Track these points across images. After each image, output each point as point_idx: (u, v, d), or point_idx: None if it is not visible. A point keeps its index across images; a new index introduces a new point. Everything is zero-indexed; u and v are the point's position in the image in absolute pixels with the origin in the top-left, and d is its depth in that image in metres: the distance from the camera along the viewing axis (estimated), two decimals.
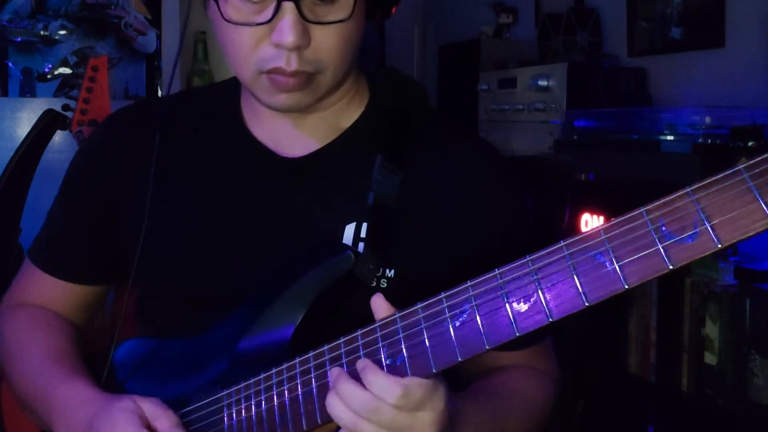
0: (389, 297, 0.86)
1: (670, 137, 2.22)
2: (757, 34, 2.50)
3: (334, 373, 0.84)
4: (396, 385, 0.79)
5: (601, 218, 2.34)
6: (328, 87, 0.99)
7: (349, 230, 1.00)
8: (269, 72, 0.94)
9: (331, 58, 0.95)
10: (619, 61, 3.02)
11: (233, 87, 1.11)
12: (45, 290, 1.15)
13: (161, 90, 3.68)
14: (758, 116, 2.12)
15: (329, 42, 0.94)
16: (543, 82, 2.85)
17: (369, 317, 0.85)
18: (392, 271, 0.98)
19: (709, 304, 1.98)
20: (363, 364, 0.82)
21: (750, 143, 1.99)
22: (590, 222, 2.37)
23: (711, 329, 1.97)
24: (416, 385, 0.79)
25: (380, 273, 0.98)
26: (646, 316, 2.15)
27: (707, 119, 2.16)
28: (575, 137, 2.59)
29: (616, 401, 2.27)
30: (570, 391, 1.10)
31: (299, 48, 0.92)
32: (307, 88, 0.96)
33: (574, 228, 2.38)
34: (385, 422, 0.79)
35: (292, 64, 0.93)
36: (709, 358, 1.97)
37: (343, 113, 1.07)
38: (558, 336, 1.11)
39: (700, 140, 2.10)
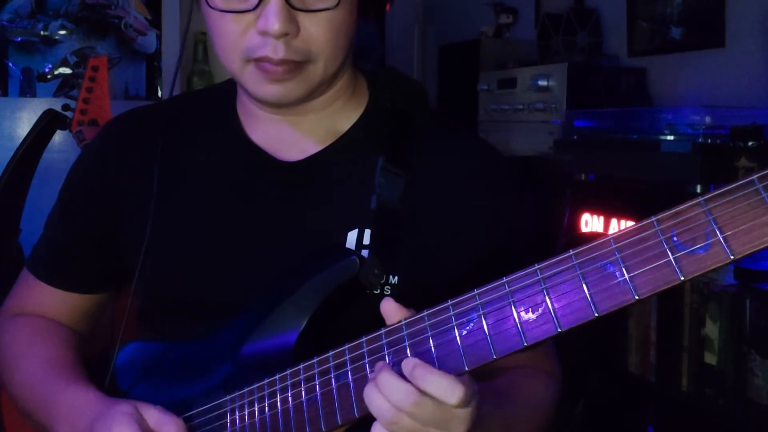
0: None
1: (670, 137, 2.22)
2: (757, 34, 2.50)
3: (379, 365, 0.81)
4: (456, 383, 0.76)
5: (601, 218, 2.33)
6: (321, 79, 0.97)
7: (352, 237, 0.99)
8: (256, 60, 0.93)
9: (320, 47, 0.94)
10: (619, 61, 3.02)
11: (229, 90, 1.10)
12: (44, 300, 1.14)
13: (161, 90, 3.68)
14: (758, 116, 2.12)
15: (318, 31, 0.93)
16: (543, 82, 2.85)
17: (373, 323, 0.84)
18: (396, 278, 0.98)
19: (709, 304, 1.98)
20: (412, 363, 0.78)
21: (750, 143, 1.99)
22: (590, 222, 2.37)
23: (711, 329, 1.97)
24: (471, 381, 0.77)
25: (384, 280, 0.97)
26: (646, 316, 2.15)
27: (707, 119, 2.16)
28: (575, 137, 2.59)
29: (616, 401, 2.27)
30: (570, 391, 1.09)
31: (286, 36, 0.91)
32: (297, 77, 0.95)
33: (574, 228, 2.38)
34: (425, 417, 0.77)
35: (278, 52, 0.92)
36: (709, 358, 1.97)
37: (342, 115, 1.06)
38: (558, 336, 1.11)
39: (700, 140, 2.10)
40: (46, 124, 2.37)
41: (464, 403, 0.77)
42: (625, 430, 2.28)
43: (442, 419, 0.78)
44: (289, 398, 0.88)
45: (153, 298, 1.08)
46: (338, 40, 0.95)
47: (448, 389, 0.76)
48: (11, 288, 1.19)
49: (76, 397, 0.99)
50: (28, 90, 3.49)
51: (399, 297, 0.85)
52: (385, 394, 0.78)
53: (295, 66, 0.94)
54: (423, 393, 0.77)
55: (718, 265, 0.66)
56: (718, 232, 0.66)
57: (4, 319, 1.15)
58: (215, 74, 3.62)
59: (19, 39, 3.47)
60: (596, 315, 0.71)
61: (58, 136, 2.59)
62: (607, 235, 0.71)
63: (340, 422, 0.85)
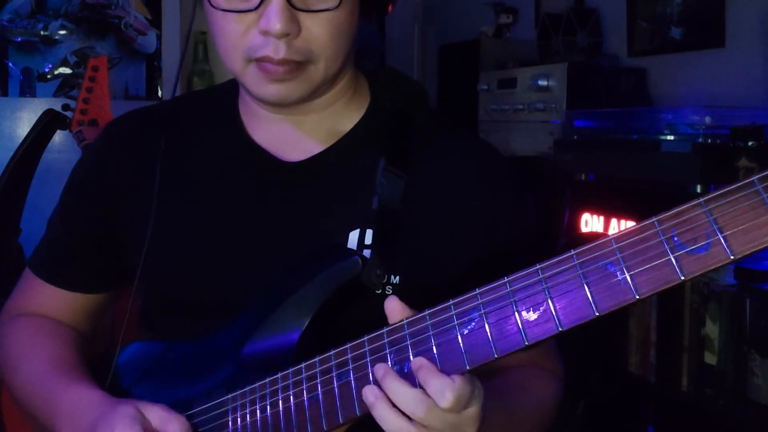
0: None
1: (670, 137, 2.22)
2: (757, 34, 2.50)
3: (381, 370, 0.81)
4: (448, 388, 0.76)
5: (601, 218, 2.34)
6: (322, 79, 0.97)
7: (353, 237, 0.99)
8: (258, 60, 0.94)
9: (321, 48, 0.94)
10: (619, 61, 3.02)
11: (231, 90, 1.10)
12: (46, 300, 1.14)
13: (161, 90, 3.68)
14: (758, 116, 2.12)
15: (319, 31, 0.93)
16: (543, 82, 2.85)
17: (374, 323, 0.85)
18: (397, 277, 0.98)
19: (709, 304, 1.98)
20: (418, 363, 0.79)
21: (750, 143, 1.99)
22: (590, 222, 2.37)
23: (711, 329, 1.97)
24: (464, 385, 0.77)
25: (386, 280, 0.97)
26: (646, 316, 2.15)
27: (707, 119, 2.16)
28: (575, 137, 2.59)
29: (616, 401, 2.27)
30: (570, 391, 1.09)
31: (287, 36, 0.91)
32: (298, 77, 0.95)
33: (574, 228, 2.38)
34: (437, 423, 0.78)
35: (279, 52, 0.92)
36: (709, 358, 1.98)
37: (343, 115, 1.06)
38: (558, 336, 1.11)
39: (700, 140, 2.11)
40: (46, 124, 2.37)
41: (457, 407, 0.77)
42: (625, 430, 2.29)
43: (454, 423, 0.78)
44: (291, 397, 0.88)
45: (154, 298, 1.08)
46: (339, 40, 0.95)
47: (438, 392, 0.76)
48: (12, 287, 1.19)
49: (79, 396, 0.99)
50: (28, 90, 3.49)
51: (400, 297, 0.85)
52: (398, 403, 0.78)
53: (296, 66, 0.94)
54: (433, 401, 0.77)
55: (719, 264, 0.67)
56: (718, 232, 0.67)
57: (6, 320, 1.15)
58: (216, 74, 3.62)
59: (19, 39, 3.47)
60: (597, 314, 0.72)
61: (58, 136, 2.59)
62: (608, 235, 0.72)
63: (341, 421, 0.85)
